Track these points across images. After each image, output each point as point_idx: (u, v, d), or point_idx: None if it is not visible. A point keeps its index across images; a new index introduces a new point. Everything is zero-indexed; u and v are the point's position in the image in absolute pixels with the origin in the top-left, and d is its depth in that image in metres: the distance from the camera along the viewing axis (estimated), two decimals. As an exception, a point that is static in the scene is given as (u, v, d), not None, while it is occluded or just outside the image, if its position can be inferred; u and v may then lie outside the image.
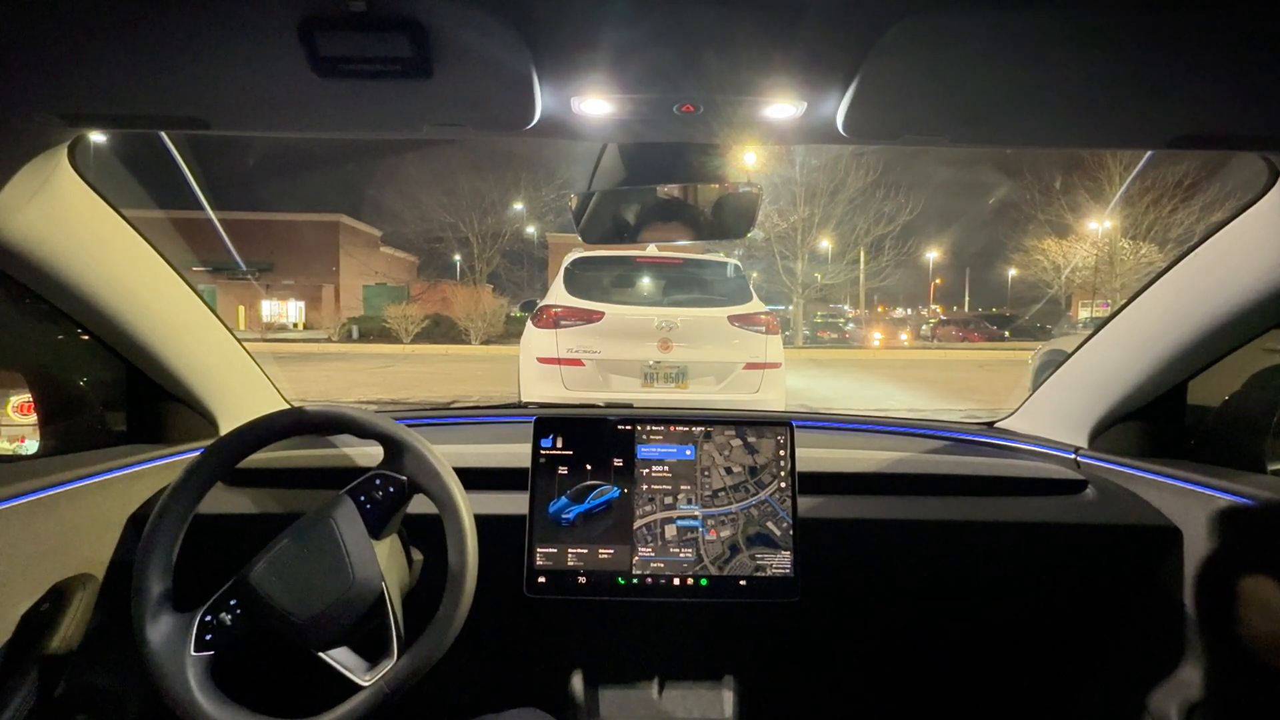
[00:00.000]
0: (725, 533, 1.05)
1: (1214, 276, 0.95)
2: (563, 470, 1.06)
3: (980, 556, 1.17)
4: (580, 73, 0.66)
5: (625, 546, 1.05)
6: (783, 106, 0.71)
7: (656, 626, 1.20)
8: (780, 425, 1.09)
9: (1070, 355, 1.24)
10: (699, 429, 1.09)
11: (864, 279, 21.69)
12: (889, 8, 0.55)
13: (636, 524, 1.05)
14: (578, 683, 1.18)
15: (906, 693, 1.36)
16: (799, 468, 1.07)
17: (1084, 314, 21.59)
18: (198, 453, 0.88)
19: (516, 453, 1.11)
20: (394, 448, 0.89)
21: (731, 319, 4.17)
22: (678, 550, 1.05)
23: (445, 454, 0.90)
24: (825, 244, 20.73)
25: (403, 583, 0.94)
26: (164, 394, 1.15)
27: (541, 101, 0.69)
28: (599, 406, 1.35)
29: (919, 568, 1.20)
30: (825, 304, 24.75)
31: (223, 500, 1.07)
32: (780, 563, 1.04)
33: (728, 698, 1.17)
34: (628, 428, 1.08)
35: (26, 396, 1.09)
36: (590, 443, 1.08)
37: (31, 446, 1.08)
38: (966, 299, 37.29)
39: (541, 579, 1.04)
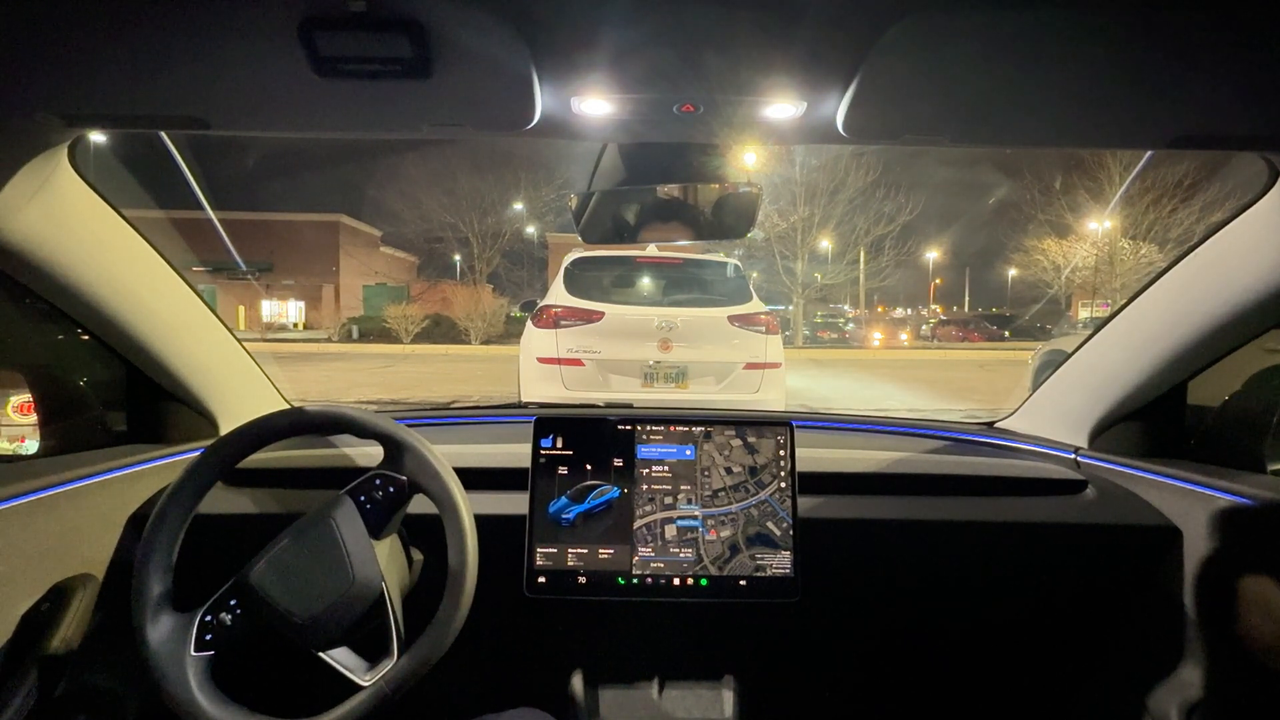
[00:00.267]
0: (725, 533, 1.05)
1: (1214, 276, 0.95)
2: (563, 470, 1.06)
3: (980, 556, 1.17)
4: (580, 73, 0.66)
5: (625, 546, 1.05)
6: (783, 106, 0.71)
7: (656, 626, 1.20)
8: (780, 425, 1.09)
9: (1070, 355, 1.24)
10: (699, 429, 1.09)
11: (864, 279, 21.66)
12: (889, 8, 0.55)
13: (636, 524, 1.05)
14: (578, 683, 1.18)
15: (906, 693, 1.35)
16: (799, 468, 1.07)
17: (1084, 314, 21.57)
18: (198, 453, 0.88)
19: (516, 453, 1.11)
20: (394, 448, 0.89)
21: (731, 319, 4.17)
22: (678, 550, 1.05)
23: (445, 454, 0.90)
24: (825, 244, 20.71)
25: (403, 583, 0.94)
26: (164, 394, 1.15)
27: (541, 101, 0.69)
28: (599, 406, 1.35)
29: (919, 568, 1.20)
30: (825, 304, 24.76)
31: (223, 500, 1.07)
32: (780, 563, 1.04)
33: (728, 698, 1.17)
34: (628, 428, 1.08)
35: (26, 396, 1.09)
36: (590, 443, 1.08)
37: (31, 446, 1.08)
38: (966, 299, 37.32)
39: (541, 579, 1.04)
